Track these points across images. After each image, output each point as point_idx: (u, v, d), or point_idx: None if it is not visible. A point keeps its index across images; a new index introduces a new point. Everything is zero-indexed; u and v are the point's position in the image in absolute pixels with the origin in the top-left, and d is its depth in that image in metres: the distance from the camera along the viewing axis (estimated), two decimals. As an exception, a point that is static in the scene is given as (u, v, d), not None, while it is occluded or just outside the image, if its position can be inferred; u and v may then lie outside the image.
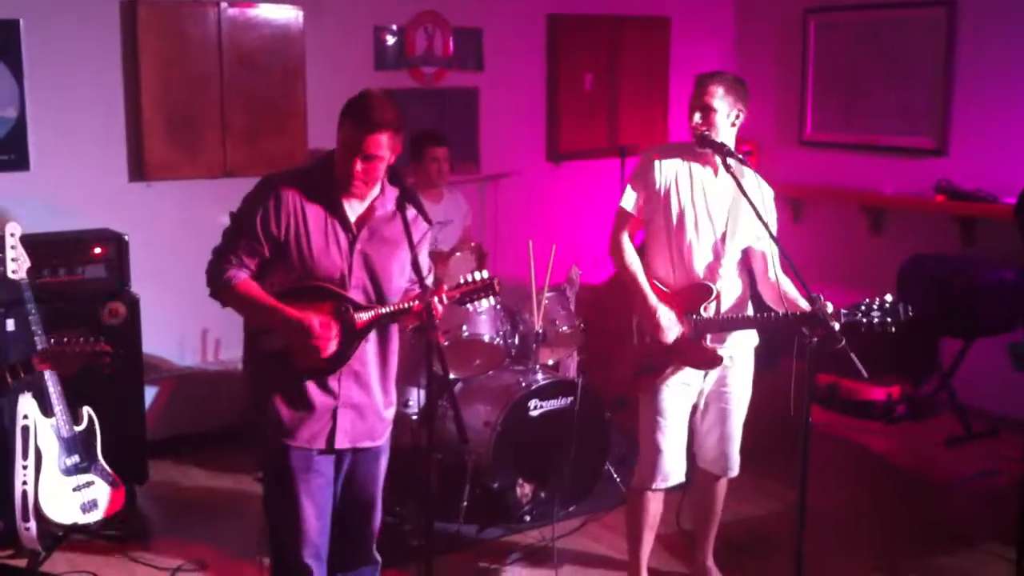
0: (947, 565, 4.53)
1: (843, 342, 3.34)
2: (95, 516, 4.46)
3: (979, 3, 6.19)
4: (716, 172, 3.84)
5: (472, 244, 5.35)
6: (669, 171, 3.85)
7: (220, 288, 3.21)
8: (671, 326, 3.81)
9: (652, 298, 3.83)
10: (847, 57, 6.86)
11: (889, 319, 3.60)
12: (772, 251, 3.83)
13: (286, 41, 5.82)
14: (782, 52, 7.21)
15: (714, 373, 3.95)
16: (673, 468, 3.99)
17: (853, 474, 5.56)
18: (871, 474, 5.62)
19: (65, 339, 3.59)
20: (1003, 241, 5.89)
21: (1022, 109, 6.02)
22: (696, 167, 3.85)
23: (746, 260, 3.96)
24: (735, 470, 4.12)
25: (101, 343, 3.58)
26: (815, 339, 3.38)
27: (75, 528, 4.44)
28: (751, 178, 3.87)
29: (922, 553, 4.64)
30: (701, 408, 4.04)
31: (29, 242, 4.62)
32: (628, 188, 3.94)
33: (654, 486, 3.99)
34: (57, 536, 4.44)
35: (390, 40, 6.23)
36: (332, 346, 3.15)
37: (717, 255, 3.86)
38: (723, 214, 3.84)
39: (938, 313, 5.91)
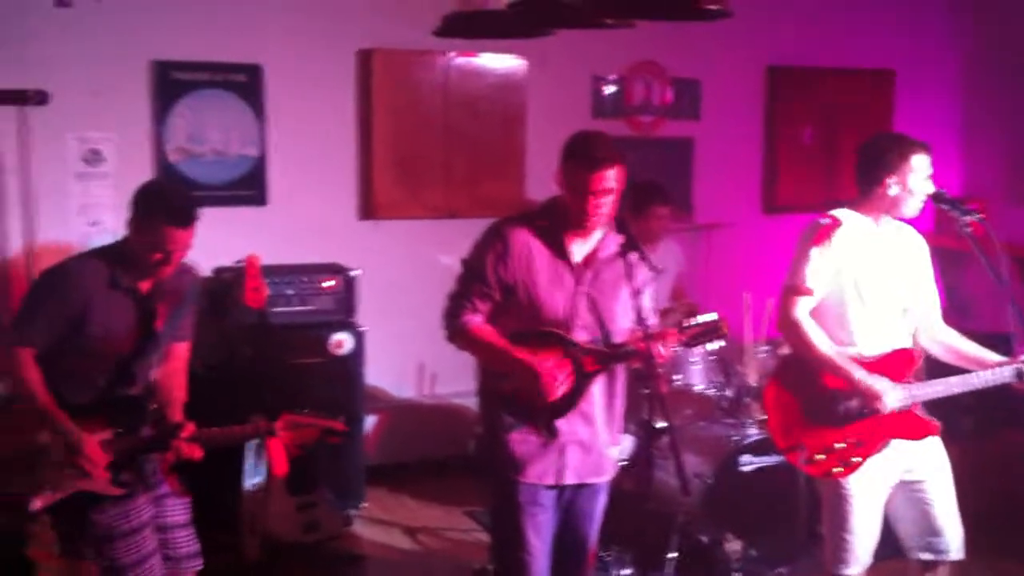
0: None
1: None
2: (316, 536, 4.65)
3: None
4: (891, 230, 3.69)
5: (685, 302, 5.33)
6: (849, 235, 3.64)
7: (456, 332, 3.33)
8: (890, 392, 3.59)
9: (860, 370, 3.59)
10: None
11: None
12: (936, 304, 3.73)
13: (508, 89, 6.00)
14: (1014, 105, 6.92)
15: (911, 447, 3.69)
16: (865, 552, 3.74)
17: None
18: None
19: (306, 411, 3.59)
20: None
21: None
22: (872, 227, 3.67)
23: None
24: (956, 552, 3.79)
25: (338, 422, 3.62)
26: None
27: (298, 546, 4.64)
28: (908, 230, 3.75)
29: None
30: (904, 483, 3.74)
31: (267, 272, 4.92)
32: (804, 259, 3.62)
33: (848, 571, 3.74)
34: (277, 551, 4.65)
35: (608, 89, 6.33)
36: (560, 390, 3.22)
37: (905, 316, 3.71)
38: (904, 273, 3.69)
39: None
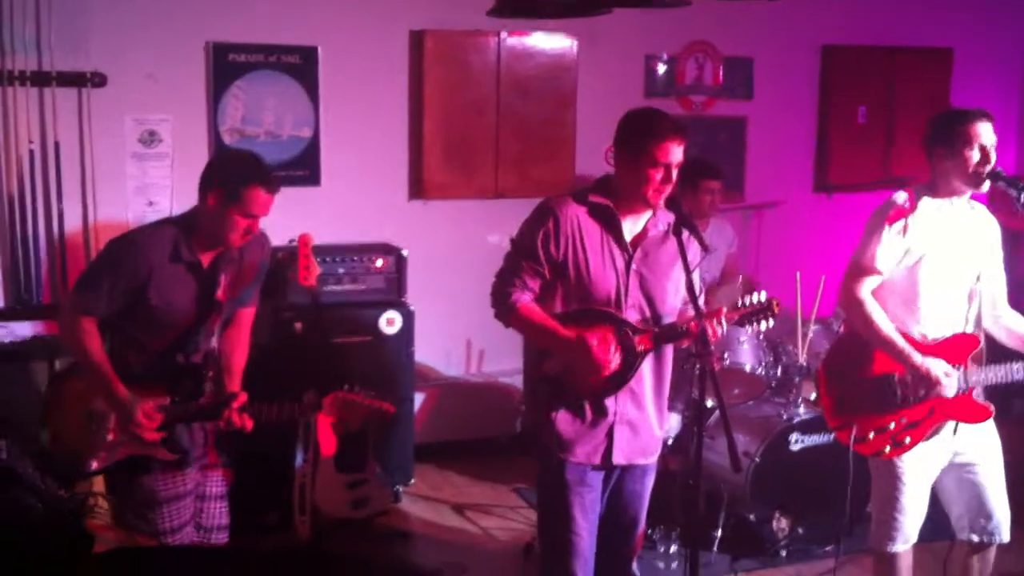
0: None
1: None
2: (365, 512, 4.72)
3: None
4: (963, 210, 3.65)
5: (740, 277, 5.31)
6: (922, 215, 3.60)
7: (505, 310, 3.34)
8: (950, 377, 3.56)
9: (918, 356, 3.56)
10: None
11: None
12: (1003, 288, 3.70)
13: (560, 69, 5.99)
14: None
15: (964, 429, 3.67)
16: (913, 529, 3.74)
17: None
18: None
19: (357, 389, 3.61)
20: None
21: None
22: (946, 206, 3.63)
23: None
24: (1005, 534, 3.78)
25: (387, 403, 3.62)
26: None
27: (346, 522, 4.71)
28: (980, 210, 3.70)
29: None
30: (955, 465, 3.72)
31: (318, 252, 4.98)
32: (875, 237, 3.59)
33: (894, 548, 3.74)
34: (327, 529, 4.72)
35: (661, 68, 6.30)
36: (612, 365, 3.23)
37: (971, 301, 3.67)
38: (974, 255, 3.65)
39: None
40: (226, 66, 5.42)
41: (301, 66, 5.54)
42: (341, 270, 5.18)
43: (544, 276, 3.30)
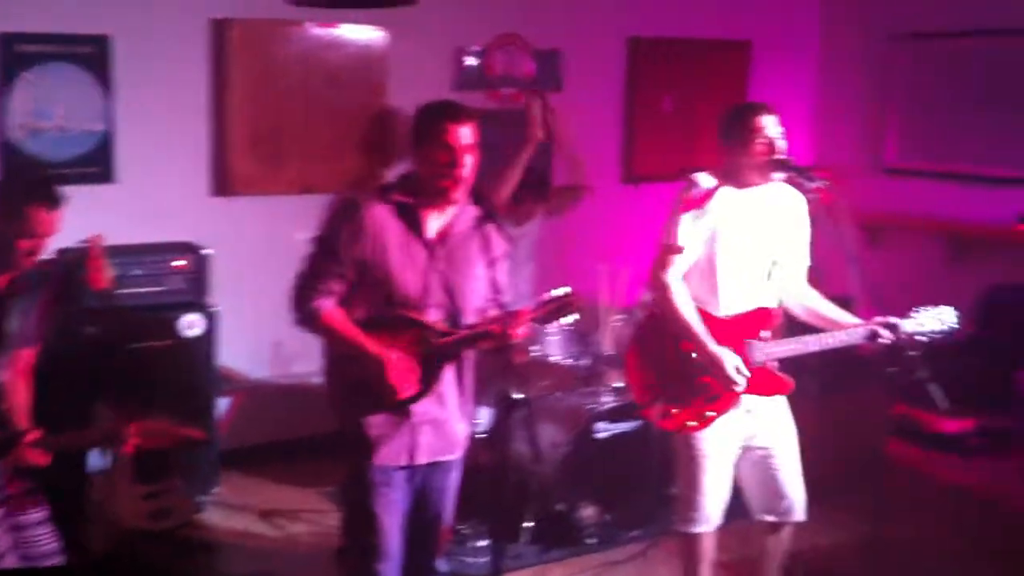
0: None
1: (922, 371, 3.31)
2: (166, 524, 4.56)
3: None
4: (757, 196, 3.79)
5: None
6: (721, 197, 3.74)
7: (306, 317, 3.26)
8: (740, 370, 3.67)
9: (712, 345, 3.68)
10: (931, 85, 6.75)
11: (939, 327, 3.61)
12: (804, 264, 3.88)
13: (369, 60, 5.91)
14: (865, 78, 7.12)
15: (760, 410, 3.82)
16: (715, 511, 3.86)
17: (927, 507, 5.41)
18: (946, 507, 5.47)
19: (161, 418, 3.34)
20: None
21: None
22: (741, 192, 3.77)
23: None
24: (800, 514, 3.93)
25: (198, 431, 3.42)
26: (895, 368, 3.38)
27: (147, 535, 4.54)
28: (784, 190, 3.85)
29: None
30: (750, 448, 3.85)
31: (113, 253, 4.78)
32: (677, 220, 3.73)
33: (697, 529, 3.86)
34: (126, 542, 4.55)
35: (470, 61, 6.29)
36: (409, 390, 3.21)
37: (770, 278, 3.82)
38: (771, 235, 3.80)
39: (1016, 344, 5.79)
40: (14, 57, 5.11)
41: (94, 56, 5.28)
42: (138, 271, 4.97)
43: (348, 278, 3.23)
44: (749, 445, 3.85)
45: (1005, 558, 4.83)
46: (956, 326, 3.66)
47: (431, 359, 3.23)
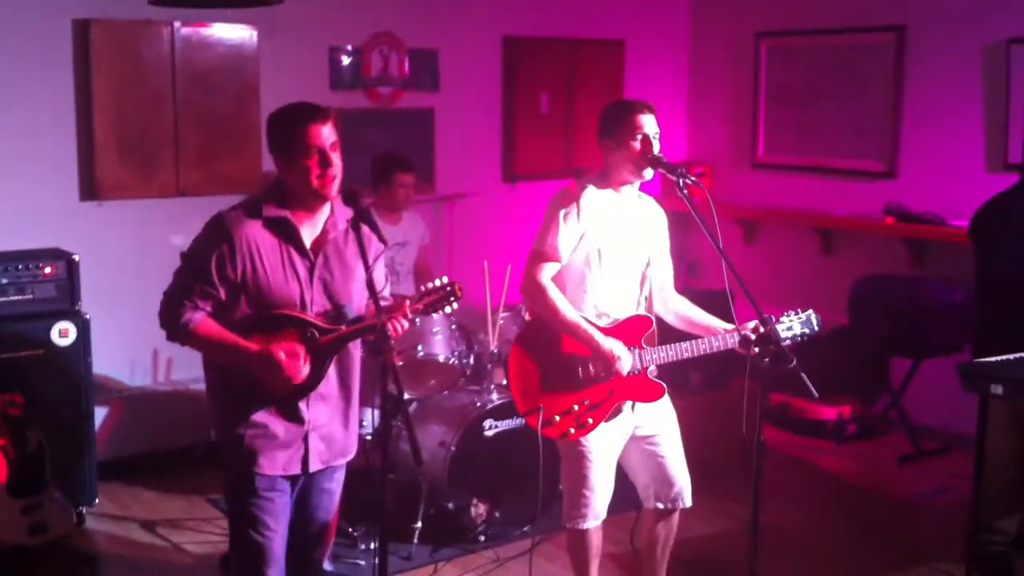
0: (898, 582, 4.59)
1: (794, 362, 3.38)
2: (44, 538, 4.40)
3: (928, 29, 6.31)
4: (632, 200, 3.83)
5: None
6: (595, 203, 3.75)
7: (178, 332, 3.16)
8: (625, 357, 3.70)
9: (599, 335, 3.69)
10: (798, 81, 6.96)
11: (805, 330, 3.71)
12: (670, 274, 3.95)
13: (240, 61, 5.80)
14: (734, 75, 7.31)
15: (642, 404, 3.85)
16: (602, 506, 3.89)
17: (805, 493, 5.60)
18: (823, 493, 5.67)
19: None
20: (951, 263, 6.01)
21: (968, 134, 6.14)
22: (615, 196, 3.80)
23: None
24: (688, 500, 3.97)
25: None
26: (767, 359, 3.46)
27: (25, 550, 4.37)
28: (649, 201, 3.91)
29: (874, 571, 4.69)
30: (636, 438, 3.88)
31: (-25, 261, 4.60)
32: (552, 226, 3.72)
33: (585, 525, 3.88)
34: (4, 558, 4.37)
35: (346, 60, 6.23)
36: (303, 372, 3.14)
37: (642, 284, 3.86)
38: (643, 242, 3.84)
39: (888, 333, 6.01)
40: None
41: (-51, 59, 5.08)
42: (4, 280, 4.78)
43: (218, 298, 3.13)
44: (635, 435, 3.89)
45: (879, 540, 5.01)
46: (818, 329, 3.77)
47: (315, 356, 3.18)
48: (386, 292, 3.43)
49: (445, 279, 3.26)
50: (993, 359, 4.00)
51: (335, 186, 3.15)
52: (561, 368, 3.77)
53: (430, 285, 3.25)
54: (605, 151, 3.80)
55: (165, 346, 5.59)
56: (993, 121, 6.03)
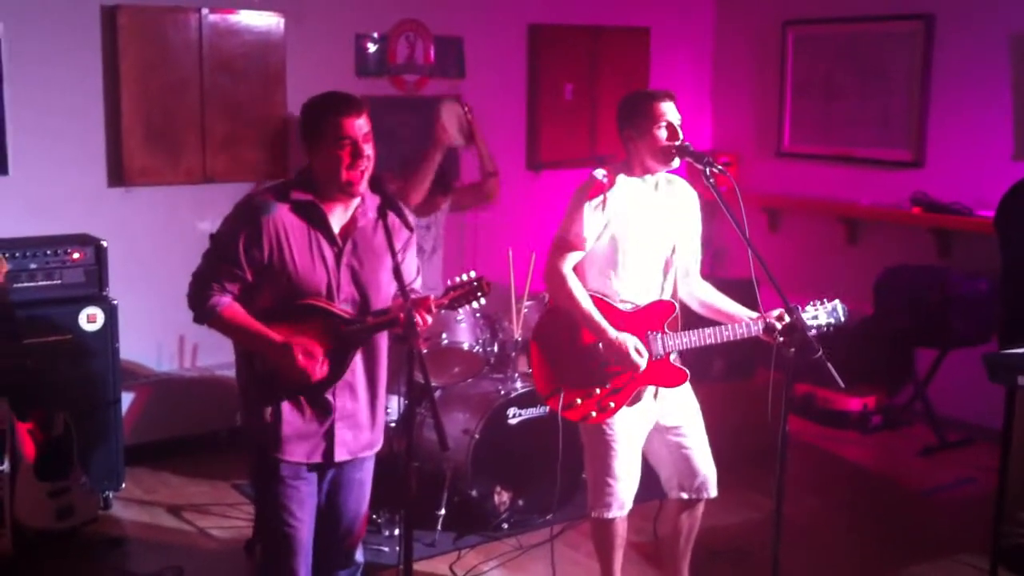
0: (921, 574, 4.57)
1: (820, 352, 3.37)
2: (71, 522, 4.45)
3: (956, 17, 6.26)
4: (656, 186, 3.81)
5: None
6: (621, 192, 3.74)
7: (204, 315, 3.19)
8: (642, 354, 3.69)
9: (612, 332, 3.68)
10: (825, 69, 6.92)
11: (831, 320, 3.70)
12: (698, 259, 3.93)
13: (267, 48, 5.81)
14: (760, 64, 7.27)
15: (665, 394, 3.85)
16: (628, 496, 3.88)
17: (829, 484, 5.59)
18: (847, 483, 5.66)
19: None
20: (977, 253, 5.97)
21: (996, 123, 6.09)
22: (640, 184, 3.78)
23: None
24: (713, 490, 3.96)
25: None
26: (793, 349, 3.45)
27: (50, 534, 4.42)
28: (679, 184, 3.89)
29: (897, 562, 4.67)
30: (660, 428, 3.88)
31: (5, 246, 4.63)
32: (577, 215, 3.71)
33: (610, 515, 3.87)
34: (31, 542, 4.42)
35: (372, 48, 6.23)
36: (320, 371, 3.16)
37: (667, 272, 3.85)
38: (668, 229, 3.82)
39: (913, 324, 5.98)
40: None
41: (-19, 47, 5.11)
42: (33, 265, 4.82)
43: (245, 280, 3.16)
44: (659, 425, 3.89)
45: (903, 532, 5.00)
46: (844, 319, 3.76)
47: (340, 347, 3.19)
48: (416, 284, 3.44)
49: (473, 274, 3.25)
50: (1020, 350, 3.98)
51: (364, 181, 3.16)
52: (582, 353, 3.77)
53: (457, 280, 3.25)
54: (626, 141, 3.78)
55: (192, 332, 5.71)
56: (1021, 110, 5.97)
